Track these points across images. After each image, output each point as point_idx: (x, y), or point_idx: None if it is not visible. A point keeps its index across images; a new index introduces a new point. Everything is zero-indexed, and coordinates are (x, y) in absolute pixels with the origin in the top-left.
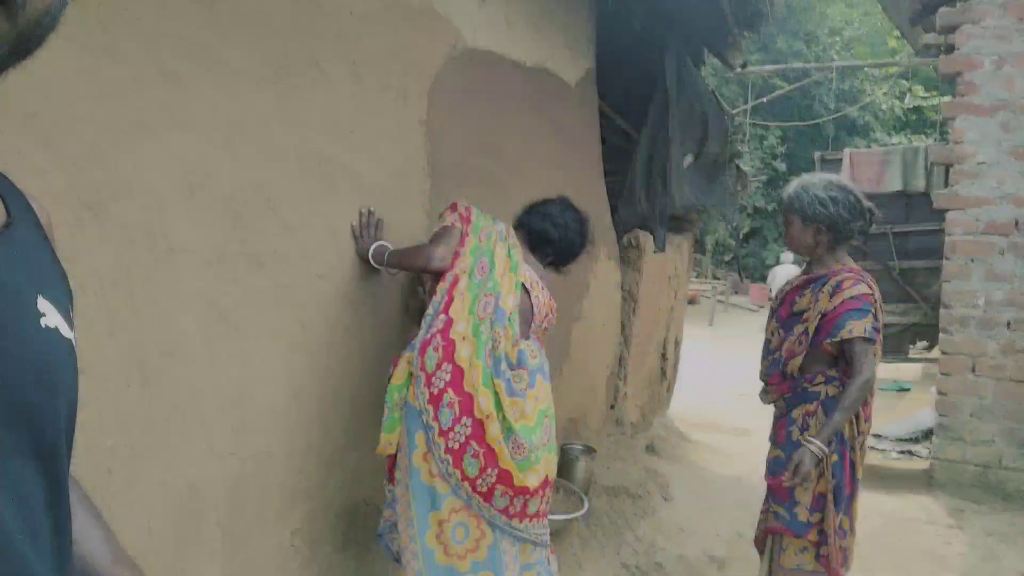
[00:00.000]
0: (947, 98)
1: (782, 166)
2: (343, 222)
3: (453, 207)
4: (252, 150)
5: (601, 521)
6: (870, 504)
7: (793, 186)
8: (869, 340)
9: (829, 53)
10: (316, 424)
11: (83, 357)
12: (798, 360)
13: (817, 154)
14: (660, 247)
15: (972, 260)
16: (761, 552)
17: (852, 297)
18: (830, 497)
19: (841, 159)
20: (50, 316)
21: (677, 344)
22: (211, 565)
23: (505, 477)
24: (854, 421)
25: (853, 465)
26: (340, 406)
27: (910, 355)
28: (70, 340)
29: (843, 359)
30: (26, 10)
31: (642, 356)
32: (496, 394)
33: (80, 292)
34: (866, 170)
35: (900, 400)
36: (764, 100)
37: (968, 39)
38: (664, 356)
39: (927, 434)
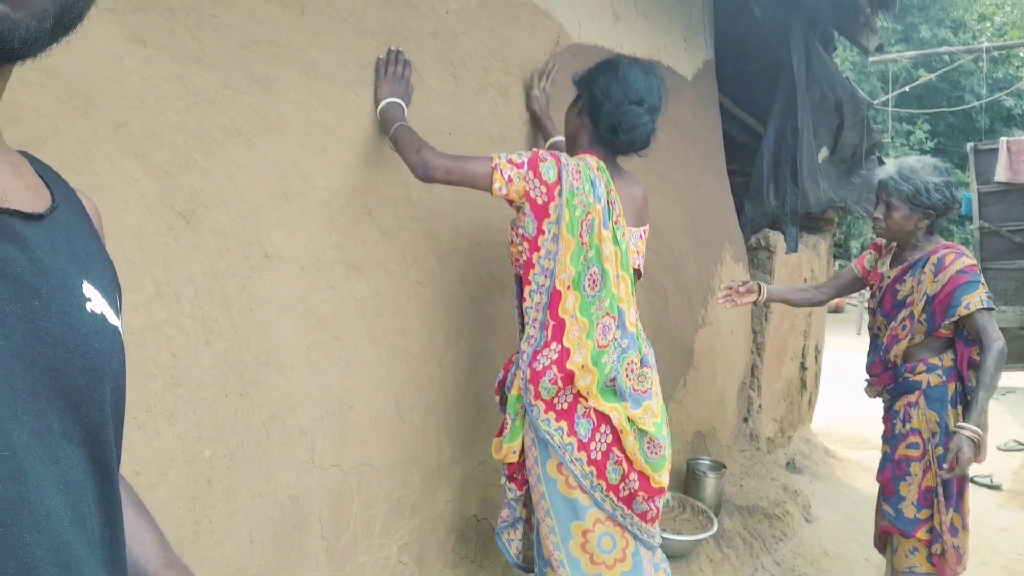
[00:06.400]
0: None
1: None
2: (443, 227)
3: (534, 168)
4: (347, 154)
5: (734, 543)
6: None
7: (895, 171)
8: (988, 309)
9: (979, 40)
10: (420, 435)
11: (178, 366)
12: (901, 346)
13: (970, 144)
14: (792, 247)
15: None
16: (882, 552)
17: (959, 271)
18: (940, 492)
19: (996, 148)
20: (96, 302)
21: (818, 353)
22: None
23: (644, 481)
24: (960, 412)
25: None
26: (444, 417)
27: None
28: (116, 328)
29: (950, 347)
30: None
31: (777, 365)
32: (624, 411)
33: (175, 301)
34: None
35: None
36: (907, 89)
37: None
38: (804, 366)
39: None
